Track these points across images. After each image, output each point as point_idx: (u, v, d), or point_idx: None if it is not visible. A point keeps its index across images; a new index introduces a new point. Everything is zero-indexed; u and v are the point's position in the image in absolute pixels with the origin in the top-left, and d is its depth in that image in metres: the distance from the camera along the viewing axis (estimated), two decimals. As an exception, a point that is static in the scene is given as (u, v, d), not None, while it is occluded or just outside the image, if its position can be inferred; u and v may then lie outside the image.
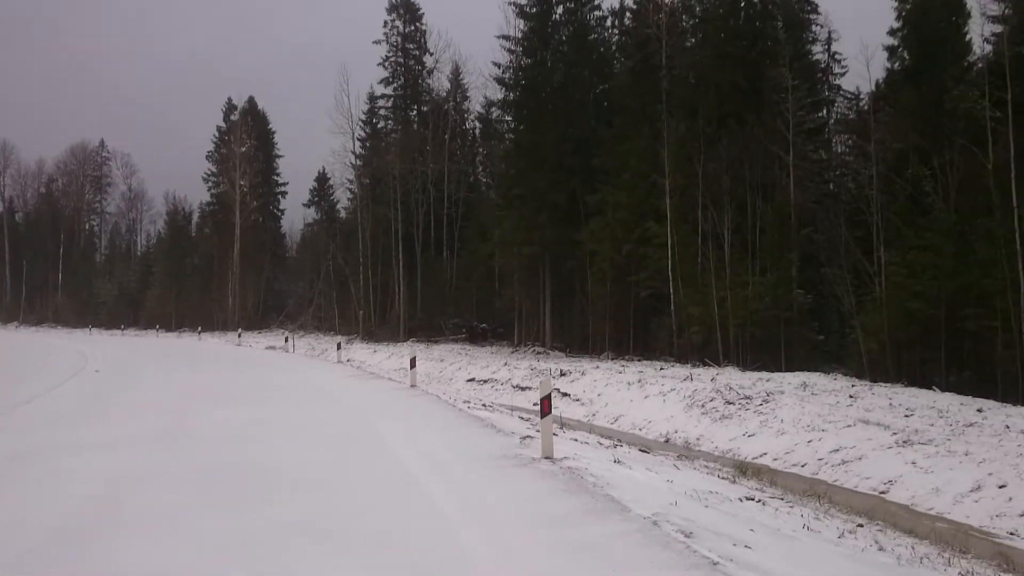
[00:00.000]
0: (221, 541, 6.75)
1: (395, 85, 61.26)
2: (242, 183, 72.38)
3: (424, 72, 61.25)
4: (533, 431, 12.94)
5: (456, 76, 60.68)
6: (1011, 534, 13.03)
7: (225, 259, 73.12)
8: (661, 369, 32.74)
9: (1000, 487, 14.61)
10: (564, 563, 5.62)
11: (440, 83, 61.24)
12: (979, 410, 21.57)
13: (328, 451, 11.94)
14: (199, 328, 66.79)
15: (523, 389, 30.50)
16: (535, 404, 17.88)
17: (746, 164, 35.28)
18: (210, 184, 76.91)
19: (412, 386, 23.97)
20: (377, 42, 60.57)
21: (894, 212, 30.34)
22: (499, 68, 49.75)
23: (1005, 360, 25.37)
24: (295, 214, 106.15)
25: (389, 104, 62.41)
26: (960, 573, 7.98)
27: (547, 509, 7.42)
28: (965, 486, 15.04)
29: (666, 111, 39.60)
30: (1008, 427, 19.14)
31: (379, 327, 55.80)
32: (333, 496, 8.72)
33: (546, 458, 10.01)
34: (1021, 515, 13.53)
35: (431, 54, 61.01)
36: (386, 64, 60.73)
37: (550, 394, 10.95)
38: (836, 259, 32.25)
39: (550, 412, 10.54)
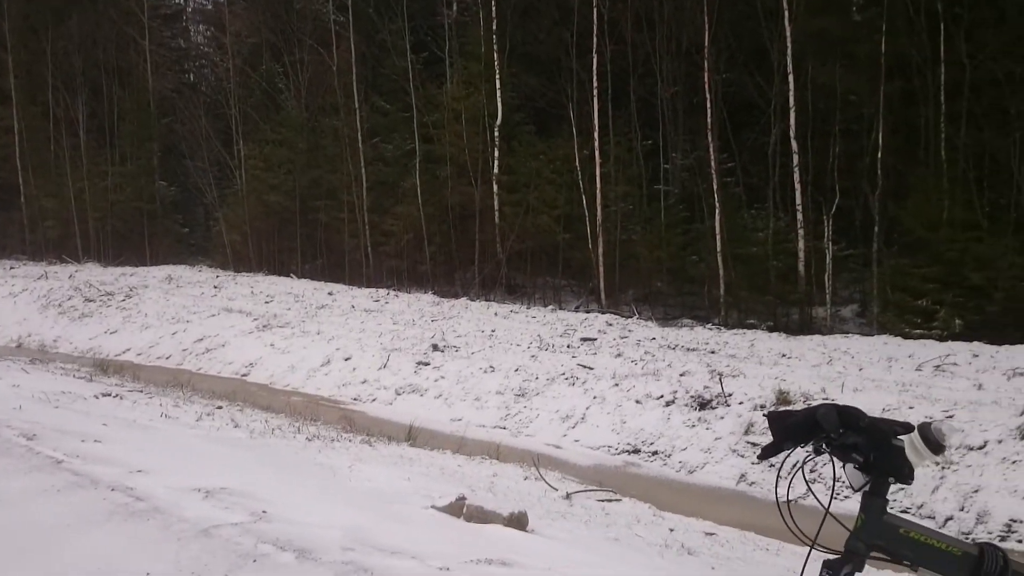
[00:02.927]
0: None
1: None
2: None
3: None
4: None
5: None
6: (355, 399, 15.02)
7: None
8: (12, 268, 29.73)
9: (346, 359, 16.64)
10: None
11: None
12: (330, 293, 24.06)
13: None
14: None
15: None
16: None
17: (100, 45, 32.89)
18: None
19: None
20: None
21: (251, 107, 31.24)
22: None
23: (351, 248, 28.42)
24: None
25: None
26: (307, 438, 8.94)
27: None
28: (317, 362, 16.80)
29: (-2, -25, 34.57)
30: (353, 307, 21.79)
31: None
32: None
33: None
34: (363, 382, 15.63)
35: None
36: None
37: None
38: (199, 151, 32.21)
39: None
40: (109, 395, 9.72)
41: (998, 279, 16.91)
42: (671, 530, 7.06)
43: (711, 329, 19.12)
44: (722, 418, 11.57)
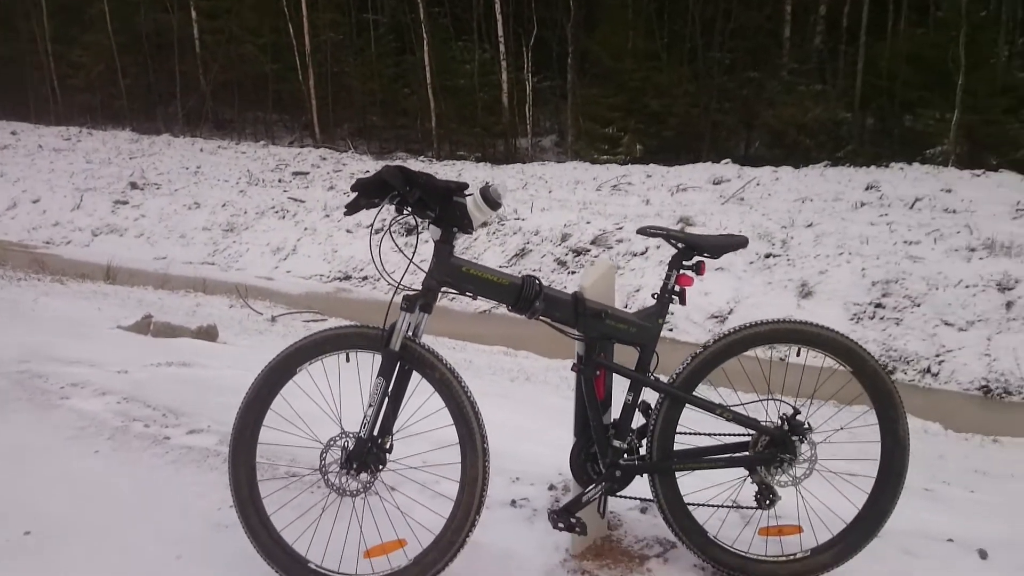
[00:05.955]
0: None
1: None
2: None
3: None
4: None
5: None
6: (47, 243, 14.18)
7: None
8: None
9: (34, 202, 15.53)
10: None
11: None
12: (13, 133, 21.87)
13: None
14: None
15: None
16: None
17: None
18: None
19: None
20: None
21: None
22: None
23: (36, 82, 25.64)
24: None
25: None
26: (-11, 282, 8.52)
27: None
28: (2, 205, 15.54)
29: None
30: (41, 147, 20.04)
31: None
32: None
33: None
34: (55, 225, 14.75)
35: None
36: None
37: None
38: None
39: None
40: None
41: (673, 106, 18.70)
42: (365, 338, 7.67)
43: (423, 161, 19.70)
44: (427, 241, 12.30)
